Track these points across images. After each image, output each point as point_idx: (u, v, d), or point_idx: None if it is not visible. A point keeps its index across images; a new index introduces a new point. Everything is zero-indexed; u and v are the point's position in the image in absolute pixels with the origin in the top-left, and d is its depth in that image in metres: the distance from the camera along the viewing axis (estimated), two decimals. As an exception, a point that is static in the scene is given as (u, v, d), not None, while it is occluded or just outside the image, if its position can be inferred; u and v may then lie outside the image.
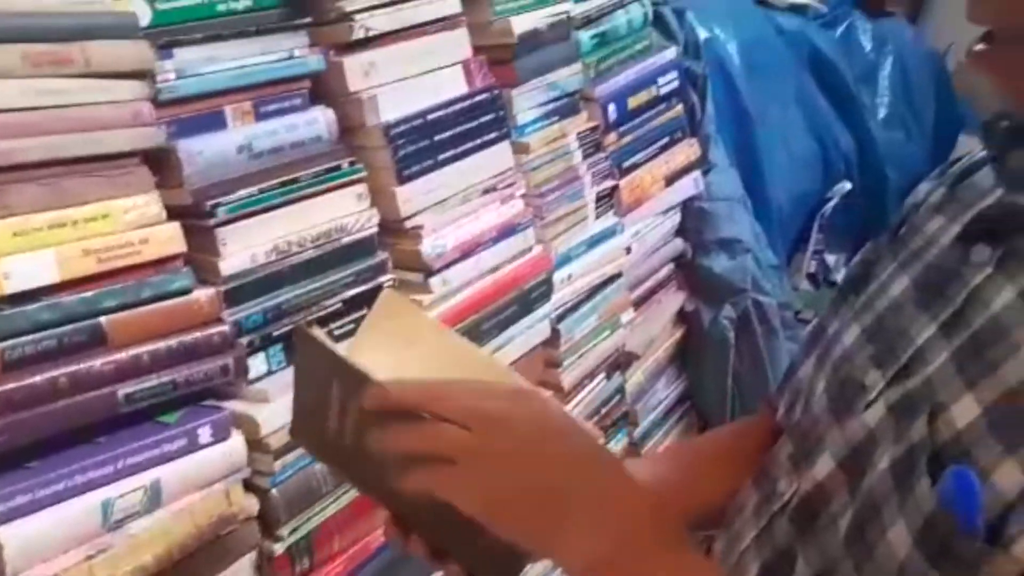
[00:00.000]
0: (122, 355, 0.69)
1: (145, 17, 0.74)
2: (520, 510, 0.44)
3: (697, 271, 1.44)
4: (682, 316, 1.46)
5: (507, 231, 1.03)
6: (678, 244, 1.42)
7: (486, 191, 1.01)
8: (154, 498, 0.70)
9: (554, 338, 1.13)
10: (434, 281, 0.94)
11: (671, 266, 1.43)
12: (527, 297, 1.06)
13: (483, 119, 1.00)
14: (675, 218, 1.41)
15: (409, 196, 0.92)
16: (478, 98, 0.99)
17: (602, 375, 1.24)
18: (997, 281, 0.44)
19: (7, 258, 0.62)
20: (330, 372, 0.54)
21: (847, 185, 1.82)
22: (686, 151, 1.38)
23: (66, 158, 0.65)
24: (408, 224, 0.93)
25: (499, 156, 1.02)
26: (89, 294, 0.67)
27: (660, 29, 1.42)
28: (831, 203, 1.81)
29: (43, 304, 0.65)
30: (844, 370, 0.51)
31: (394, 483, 0.47)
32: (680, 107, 1.38)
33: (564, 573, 0.47)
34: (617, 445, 1.28)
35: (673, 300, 1.43)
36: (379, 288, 0.90)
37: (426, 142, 0.93)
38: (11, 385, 0.63)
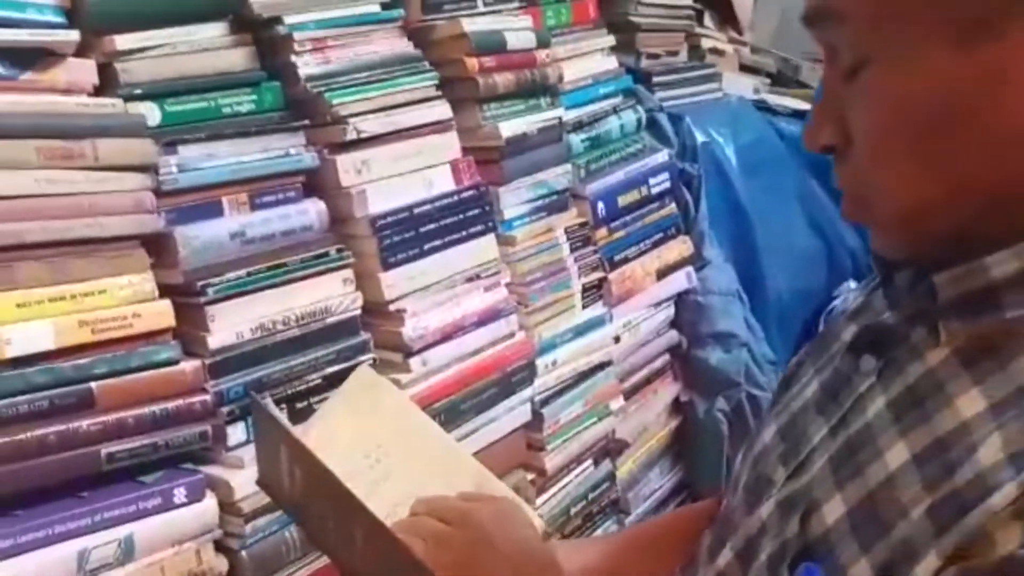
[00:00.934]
0: (108, 417, 0.76)
1: (154, 117, 0.84)
2: None
3: (692, 363, 1.47)
4: (678, 406, 1.49)
5: (490, 316, 1.09)
6: (673, 336, 1.46)
7: (470, 279, 1.08)
8: (128, 551, 0.76)
9: (537, 422, 1.17)
10: (414, 361, 1.00)
11: (667, 357, 1.47)
12: (508, 380, 1.11)
13: (469, 213, 1.08)
14: (669, 311, 1.45)
15: (393, 281, 0.99)
16: (465, 194, 1.07)
17: (589, 461, 1.27)
18: (876, 390, 0.47)
19: (9, 326, 0.71)
20: (278, 439, 0.61)
21: (852, 284, 1.84)
22: (679, 247, 1.44)
23: (69, 239, 0.74)
24: (392, 307, 1.00)
25: (484, 247, 1.10)
26: (82, 361, 0.75)
27: (656, 133, 1.51)
28: (837, 300, 1.84)
29: (39, 368, 0.73)
30: (760, 465, 0.55)
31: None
32: (673, 206, 1.45)
33: None
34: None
35: (668, 391, 1.46)
36: (358, 366, 0.96)
37: (411, 233, 1.01)
38: (3, 439, 0.70)
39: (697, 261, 1.47)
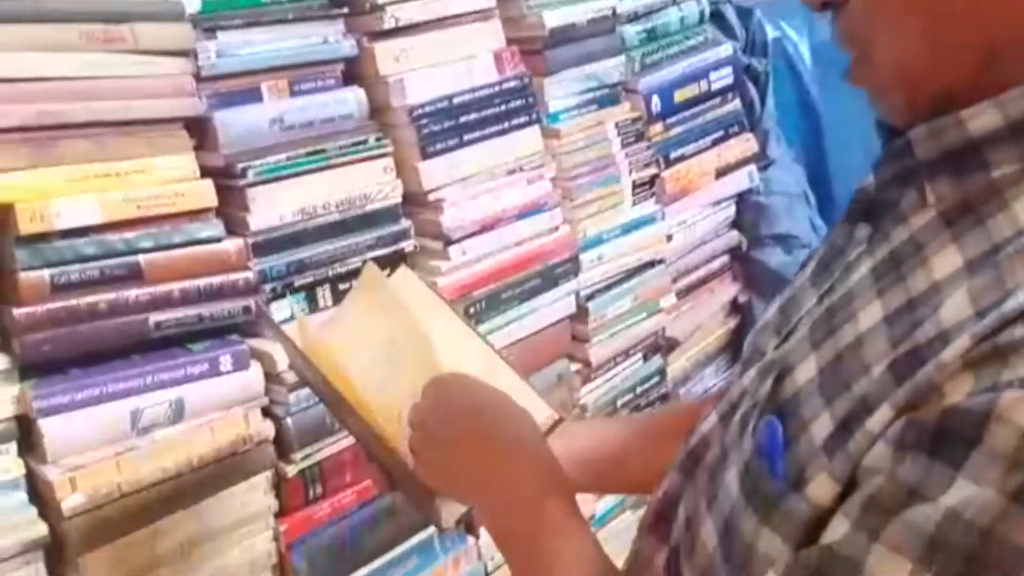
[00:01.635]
0: (156, 289, 0.82)
1: (194, 3, 0.87)
2: (450, 485, 0.61)
3: (753, 264, 1.44)
4: (736, 307, 1.47)
5: (532, 209, 1.09)
6: (732, 236, 1.43)
7: (511, 171, 1.08)
8: (178, 412, 0.83)
9: (582, 315, 1.18)
10: (453, 250, 1.02)
11: (725, 258, 1.44)
12: (551, 273, 1.12)
13: (511, 104, 1.07)
14: (729, 211, 1.42)
15: (431, 171, 1.01)
16: (507, 84, 1.07)
17: (638, 356, 1.28)
18: (863, 257, 0.46)
19: (59, 199, 0.76)
20: (290, 347, 0.65)
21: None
22: (742, 145, 1.39)
23: (112, 120, 0.79)
24: (431, 197, 1.02)
25: (527, 139, 1.09)
26: (129, 235, 0.81)
27: (722, 26, 1.44)
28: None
29: (89, 240, 0.78)
30: (757, 339, 0.55)
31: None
32: (737, 102, 1.40)
33: None
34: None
35: (726, 291, 1.44)
36: (401, 252, 0.99)
37: (451, 123, 1.02)
38: (58, 304, 0.76)
39: (761, 160, 1.42)
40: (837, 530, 0.38)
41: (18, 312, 0.74)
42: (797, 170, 1.50)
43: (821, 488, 0.40)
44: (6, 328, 0.75)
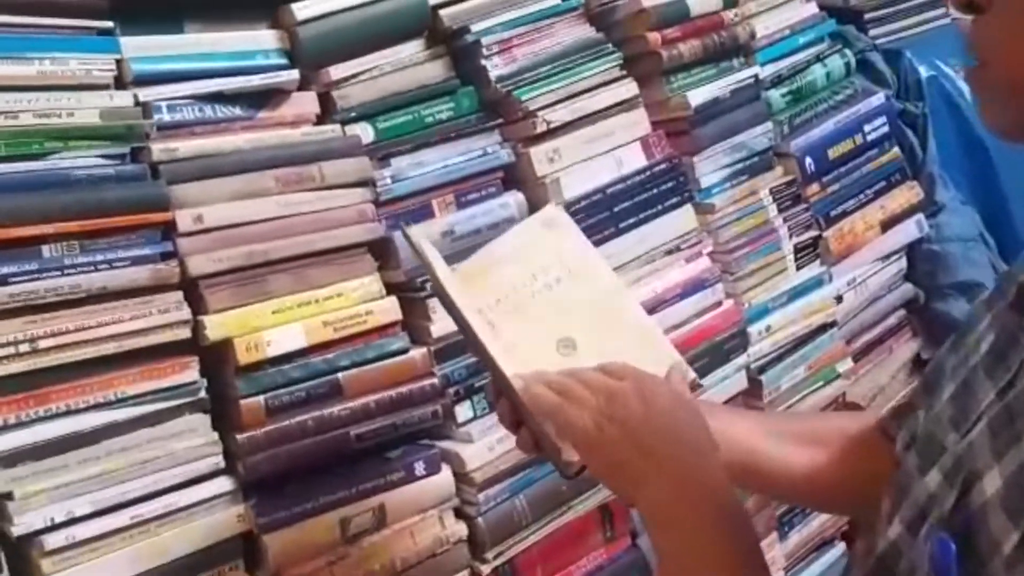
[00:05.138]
0: (355, 403, 0.88)
1: (368, 136, 0.95)
2: (613, 469, 0.59)
3: (932, 317, 1.37)
4: (921, 364, 1.39)
5: (693, 287, 1.10)
6: (907, 290, 1.37)
7: (669, 251, 1.09)
8: (381, 518, 0.87)
9: (755, 388, 1.16)
10: (621, 337, 1.03)
11: (902, 313, 1.38)
12: (720, 349, 1.11)
13: (663, 187, 1.09)
14: (900, 263, 1.36)
15: (594, 262, 1.03)
16: (656, 169, 1.09)
17: (819, 425, 1.23)
18: None
19: (269, 330, 0.84)
20: (432, 274, 0.71)
21: None
22: (905, 194, 1.34)
23: (308, 252, 0.86)
24: (595, 287, 1.04)
25: (682, 219, 1.10)
26: (329, 356, 0.87)
27: (871, 75, 1.41)
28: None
29: (295, 364, 0.85)
30: (933, 426, 0.53)
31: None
32: (896, 150, 1.35)
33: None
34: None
35: (906, 348, 1.37)
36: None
37: (605, 213, 1.05)
38: (273, 426, 0.83)
39: (928, 207, 1.36)
40: None
41: (241, 437, 0.82)
42: (969, 212, 1.42)
43: None
44: (231, 452, 0.83)
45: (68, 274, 0.76)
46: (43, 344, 0.74)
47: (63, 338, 0.75)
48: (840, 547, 1.29)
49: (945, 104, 1.49)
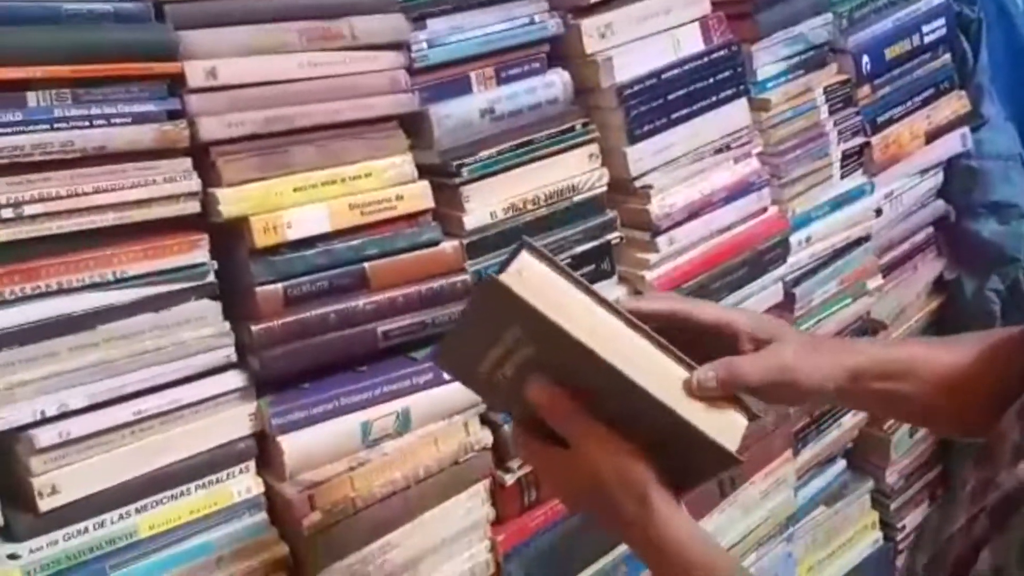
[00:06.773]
0: (381, 297, 0.79)
1: (401, -8, 0.82)
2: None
3: (961, 236, 1.31)
4: (940, 285, 1.34)
5: (740, 191, 1.01)
6: (939, 206, 1.31)
7: (719, 150, 1.00)
8: (404, 423, 0.80)
9: (788, 302, 1.09)
10: (661, 240, 0.95)
11: (930, 230, 1.32)
12: (760, 259, 1.04)
13: (720, 76, 0.98)
14: (937, 178, 1.29)
15: (639, 156, 0.94)
16: (715, 55, 0.98)
17: (843, 343, 1.18)
18: None
19: (290, 210, 0.73)
20: (515, 317, 0.56)
21: None
22: (953, 104, 1.26)
23: (332, 123, 0.75)
24: (637, 183, 0.95)
25: (736, 114, 1.01)
26: (355, 242, 0.77)
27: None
28: None
29: (318, 250, 0.75)
30: None
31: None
32: (948, 56, 1.26)
33: None
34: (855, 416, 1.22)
35: (930, 267, 1.32)
36: (607, 244, 0.93)
37: (659, 101, 0.94)
38: (291, 318, 0.74)
39: (973, 120, 1.28)
40: None
41: (256, 328, 0.72)
42: (1010, 129, 1.34)
43: None
44: (243, 344, 0.73)
45: (58, 128, 0.64)
46: (29, 210, 0.63)
47: (53, 204, 0.64)
48: (841, 464, 1.28)
49: (996, 11, 1.39)
